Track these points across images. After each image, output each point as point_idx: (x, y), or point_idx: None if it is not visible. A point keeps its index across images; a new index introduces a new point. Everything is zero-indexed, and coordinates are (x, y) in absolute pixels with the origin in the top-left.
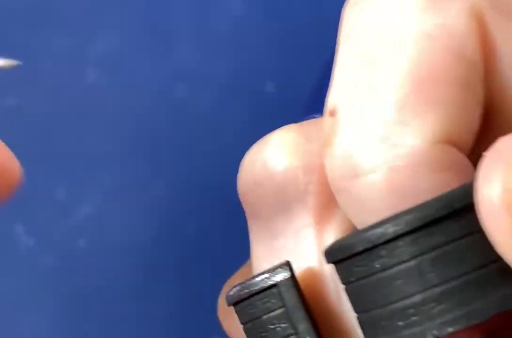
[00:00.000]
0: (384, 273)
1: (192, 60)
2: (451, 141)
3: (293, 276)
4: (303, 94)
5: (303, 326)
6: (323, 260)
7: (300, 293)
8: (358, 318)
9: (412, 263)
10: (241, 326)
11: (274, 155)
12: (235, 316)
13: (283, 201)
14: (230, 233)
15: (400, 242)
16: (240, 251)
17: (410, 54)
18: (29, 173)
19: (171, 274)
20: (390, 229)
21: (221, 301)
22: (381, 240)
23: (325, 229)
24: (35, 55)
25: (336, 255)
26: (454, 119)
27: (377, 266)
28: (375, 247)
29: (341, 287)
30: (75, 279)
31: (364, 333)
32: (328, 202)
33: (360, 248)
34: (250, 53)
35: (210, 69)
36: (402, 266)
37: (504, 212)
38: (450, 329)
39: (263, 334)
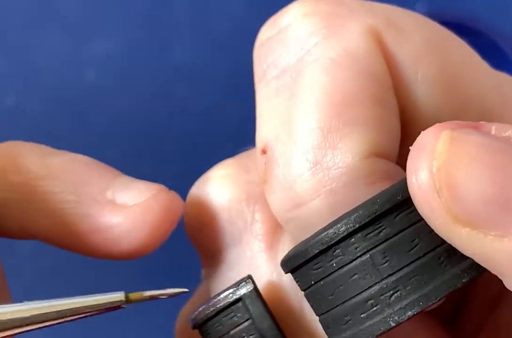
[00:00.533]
0: (341, 271)
1: (192, 60)
2: (378, 154)
3: (255, 287)
4: None
5: (271, 333)
6: (281, 273)
7: (265, 303)
8: (320, 320)
9: (365, 257)
10: None
11: (216, 192)
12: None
13: (233, 235)
14: None
15: (352, 239)
16: None
17: (323, 83)
18: None
19: (171, 274)
20: (342, 228)
21: (180, 324)
22: (334, 240)
23: (277, 250)
24: (35, 55)
25: (293, 262)
26: (376, 134)
27: (334, 265)
28: (329, 247)
29: (301, 294)
30: (75, 279)
31: (327, 333)
32: (275, 225)
33: (315, 251)
34: (250, 53)
35: (210, 69)
36: (357, 262)
37: (433, 194)
38: (409, 313)
39: None
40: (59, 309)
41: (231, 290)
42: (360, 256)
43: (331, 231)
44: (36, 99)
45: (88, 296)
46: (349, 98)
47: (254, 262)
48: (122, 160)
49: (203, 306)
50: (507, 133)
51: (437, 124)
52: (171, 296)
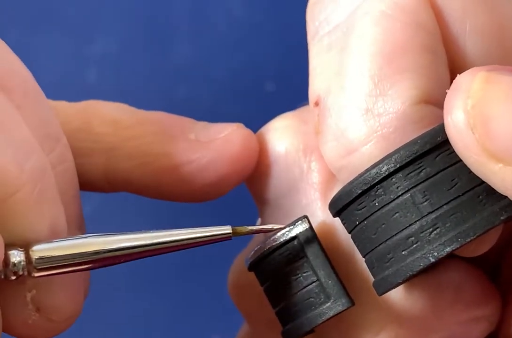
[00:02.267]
0: (383, 210)
1: (192, 60)
2: (428, 100)
3: (311, 227)
4: (303, 94)
5: (324, 271)
6: (334, 220)
7: (319, 242)
8: (365, 260)
9: (406, 196)
10: (261, 288)
11: (275, 141)
12: (246, 291)
13: (289, 183)
14: None
15: (393, 179)
16: (240, 251)
17: (373, 34)
18: None
19: (171, 274)
20: (384, 168)
21: (232, 277)
22: (376, 180)
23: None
24: (35, 55)
25: (338, 204)
26: (426, 80)
27: (376, 204)
28: (371, 187)
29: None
30: None
31: (372, 273)
32: (330, 175)
33: (359, 191)
34: (250, 53)
35: (210, 69)
36: (398, 200)
37: (467, 131)
38: (448, 249)
39: (286, 287)
40: (171, 239)
41: (287, 229)
42: (401, 195)
43: (373, 171)
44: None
45: (198, 228)
46: (399, 47)
47: (309, 210)
48: None
49: (259, 246)
50: None
51: (474, 68)
52: (271, 231)
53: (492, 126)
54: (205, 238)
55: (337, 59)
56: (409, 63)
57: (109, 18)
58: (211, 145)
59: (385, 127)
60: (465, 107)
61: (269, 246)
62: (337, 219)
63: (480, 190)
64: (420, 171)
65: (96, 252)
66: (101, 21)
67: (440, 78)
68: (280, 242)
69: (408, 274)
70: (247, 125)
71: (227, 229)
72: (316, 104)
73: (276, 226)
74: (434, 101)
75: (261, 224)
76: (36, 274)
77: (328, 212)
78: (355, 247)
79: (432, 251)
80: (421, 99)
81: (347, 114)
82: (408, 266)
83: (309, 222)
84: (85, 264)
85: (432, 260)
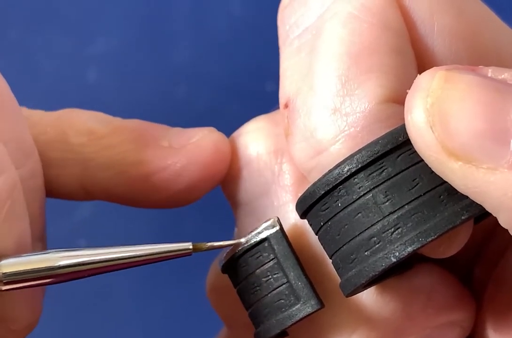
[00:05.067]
0: (345, 211)
1: (192, 60)
2: (394, 100)
3: (281, 228)
4: None
5: (294, 273)
6: (305, 222)
7: (290, 244)
8: (332, 262)
9: (368, 196)
10: (234, 290)
11: (246, 144)
12: (223, 294)
13: (261, 186)
14: (230, 233)
15: (355, 179)
16: None
17: (341, 35)
18: None
19: (171, 274)
20: (345, 168)
21: (209, 280)
22: (339, 180)
23: None
24: (35, 55)
25: (303, 205)
26: (393, 80)
27: (339, 205)
28: (334, 188)
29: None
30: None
31: (338, 274)
32: (302, 177)
33: (322, 192)
34: (250, 53)
35: (210, 69)
36: (360, 201)
37: (427, 130)
38: (409, 249)
39: (257, 288)
40: (133, 254)
41: (258, 230)
42: (363, 195)
43: (335, 171)
44: (37, 99)
45: (160, 244)
46: (366, 48)
47: (281, 212)
48: None
49: (229, 250)
50: (503, 76)
51: (434, 67)
52: (229, 246)
53: (451, 124)
54: (165, 254)
55: (306, 61)
56: (376, 63)
57: (109, 18)
58: (183, 151)
59: (352, 126)
60: (425, 106)
61: (240, 248)
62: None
63: (442, 190)
64: (382, 171)
65: (62, 267)
66: (101, 21)
67: (407, 78)
68: (250, 244)
69: (370, 275)
70: None
71: (187, 246)
72: (286, 106)
73: (238, 241)
74: (401, 100)
75: (236, 227)
76: (3, 288)
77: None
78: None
79: (393, 251)
80: (388, 98)
81: (315, 115)
82: (371, 266)
83: (280, 224)
84: (50, 278)
85: (394, 260)
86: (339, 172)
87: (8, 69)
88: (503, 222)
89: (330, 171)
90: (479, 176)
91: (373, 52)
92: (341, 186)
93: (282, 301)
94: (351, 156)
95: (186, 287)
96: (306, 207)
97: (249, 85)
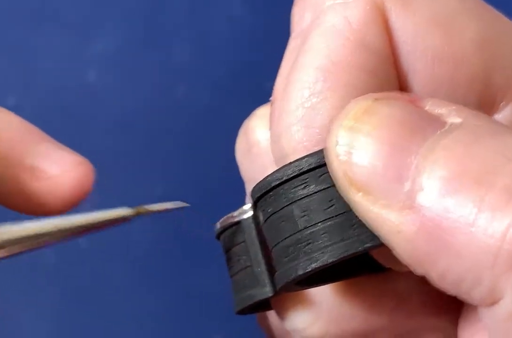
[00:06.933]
0: (273, 217)
1: (192, 60)
2: None
3: (255, 215)
4: None
5: (256, 259)
6: None
7: (258, 231)
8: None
9: (289, 208)
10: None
11: (252, 128)
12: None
13: (266, 165)
14: None
15: (281, 190)
16: None
17: (318, 47)
18: None
19: (171, 274)
20: (275, 178)
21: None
22: (268, 188)
23: None
24: (35, 55)
25: (255, 194)
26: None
27: (269, 211)
28: (265, 194)
29: None
30: (75, 279)
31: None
32: None
33: (256, 196)
34: (250, 53)
35: (209, 69)
36: (283, 211)
37: (336, 157)
38: (314, 265)
39: (232, 264)
40: (72, 223)
41: (237, 212)
42: (286, 206)
43: (268, 179)
44: (37, 99)
45: (98, 211)
46: (335, 65)
47: None
48: (122, 159)
49: (222, 219)
50: (440, 111)
51: (368, 94)
52: (171, 210)
53: (354, 156)
54: (104, 221)
55: (288, 67)
56: (341, 82)
57: (109, 18)
58: (45, 182)
59: (308, 140)
60: (338, 133)
61: (221, 225)
62: None
63: (353, 216)
64: (304, 187)
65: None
66: (101, 21)
67: None
68: (228, 223)
69: (284, 281)
70: None
71: (126, 211)
72: (271, 104)
73: (180, 204)
74: None
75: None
76: None
77: None
78: None
79: (301, 264)
80: None
81: (281, 122)
82: (284, 274)
83: (255, 210)
84: None
85: (300, 272)
86: (269, 180)
87: (8, 69)
88: (399, 257)
89: (265, 178)
90: (376, 210)
91: (341, 70)
92: (271, 193)
93: (246, 281)
94: (284, 167)
95: (182, 285)
96: (251, 204)
97: (249, 85)
